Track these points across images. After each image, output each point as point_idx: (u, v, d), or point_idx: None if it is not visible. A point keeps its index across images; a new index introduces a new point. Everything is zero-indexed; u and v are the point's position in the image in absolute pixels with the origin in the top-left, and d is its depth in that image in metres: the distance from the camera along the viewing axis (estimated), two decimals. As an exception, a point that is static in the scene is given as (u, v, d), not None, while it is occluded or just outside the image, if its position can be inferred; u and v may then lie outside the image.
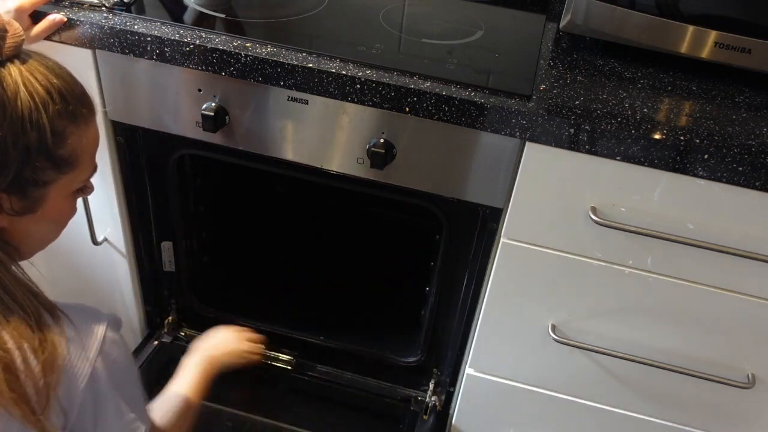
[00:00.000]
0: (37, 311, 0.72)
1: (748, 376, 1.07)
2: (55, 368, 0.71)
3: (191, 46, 0.99)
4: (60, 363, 0.71)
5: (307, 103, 1.02)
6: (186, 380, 1.08)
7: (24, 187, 0.72)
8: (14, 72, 0.69)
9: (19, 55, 0.71)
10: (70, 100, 0.73)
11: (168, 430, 0.97)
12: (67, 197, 0.78)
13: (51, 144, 0.71)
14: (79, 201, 1.18)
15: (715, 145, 0.90)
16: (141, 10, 1.07)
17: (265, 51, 0.99)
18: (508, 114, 0.93)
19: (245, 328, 1.26)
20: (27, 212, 0.74)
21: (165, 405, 1.01)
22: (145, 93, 1.08)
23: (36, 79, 0.71)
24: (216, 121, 1.04)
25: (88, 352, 0.74)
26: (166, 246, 1.34)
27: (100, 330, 0.76)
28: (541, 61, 1.07)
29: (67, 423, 0.74)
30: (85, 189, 0.82)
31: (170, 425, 0.98)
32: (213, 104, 1.04)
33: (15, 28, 0.71)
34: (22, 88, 0.69)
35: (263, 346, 1.27)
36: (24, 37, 0.73)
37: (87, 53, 1.05)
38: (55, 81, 0.72)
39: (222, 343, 1.20)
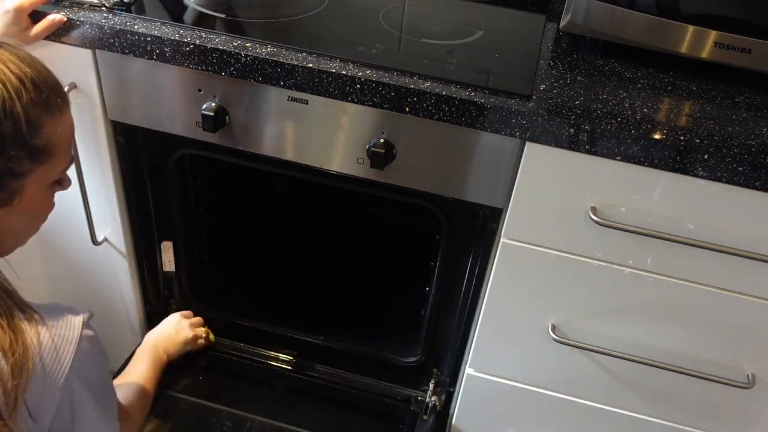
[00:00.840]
0: (10, 311, 0.71)
1: (748, 376, 1.07)
2: (25, 371, 0.69)
3: (191, 46, 0.99)
4: (30, 366, 0.69)
5: (307, 103, 1.02)
6: (138, 370, 1.12)
7: (0, 178, 0.71)
8: None
9: None
10: (43, 89, 0.73)
11: (127, 417, 0.98)
12: (44, 189, 0.78)
13: (26, 133, 0.71)
14: (80, 201, 1.19)
15: (715, 145, 0.90)
16: (141, 10, 1.07)
17: (265, 51, 0.99)
18: (508, 114, 0.93)
19: (189, 313, 1.34)
20: (3, 204, 0.73)
21: (123, 394, 1.02)
22: (145, 93, 1.08)
23: (8, 68, 0.70)
24: (216, 121, 1.04)
25: (64, 354, 0.73)
26: (166, 246, 1.34)
27: (75, 330, 0.75)
28: (541, 61, 1.07)
29: (41, 428, 0.72)
30: (62, 182, 0.81)
31: (129, 411, 1.00)
32: (213, 104, 1.04)
33: None
34: None
35: (206, 329, 1.35)
36: None
37: (87, 53, 1.05)
38: (27, 70, 0.71)
39: (167, 332, 1.27)
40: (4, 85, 0.69)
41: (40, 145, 0.73)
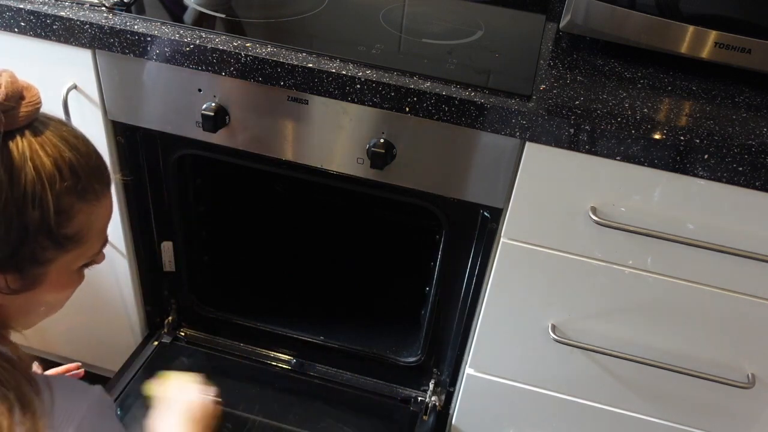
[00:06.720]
0: (19, 389, 0.65)
1: (748, 376, 1.07)
2: None
3: (191, 46, 0.99)
4: None
5: (307, 103, 1.02)
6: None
7: (22, 266, 0.66)
8: (23, 144, 0.63)
9: (32, 123, 0.65)
10: (82, 175, 0.67)
11: None
12: (71, 273, 0.72)
13: (54, 223, 0.65)
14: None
15: (715, 145, 0.90)
16: (141, 10, 1.07)
17: (265, 51, 0.99)
18: (508, 114, 0.93)
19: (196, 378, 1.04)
20: (25, 290, 0.68)
21: None
22: (145, 93, 1.08)
23: (46, 152, 0.64)
24: (216, 121, 1.04)
25: None
26: (166, 246, 1.34)
27: (78, 412, 0.68)
28: (541, 61, 1.07)
29: None
30: (94, 262, 0.75)
31: None
32: (213, 104, 1.04)
33: (33, 94, 0.64)
34: (29, 162, 0.62)
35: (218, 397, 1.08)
36: (41, 104, 0.65)
37: (87, 53, 1.05)
38: (67, 154, 0.65)
39: (190, 404, 0.99)
40: (38, 172, 0.63)
41: (69, 233, 0.67)
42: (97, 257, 0.75)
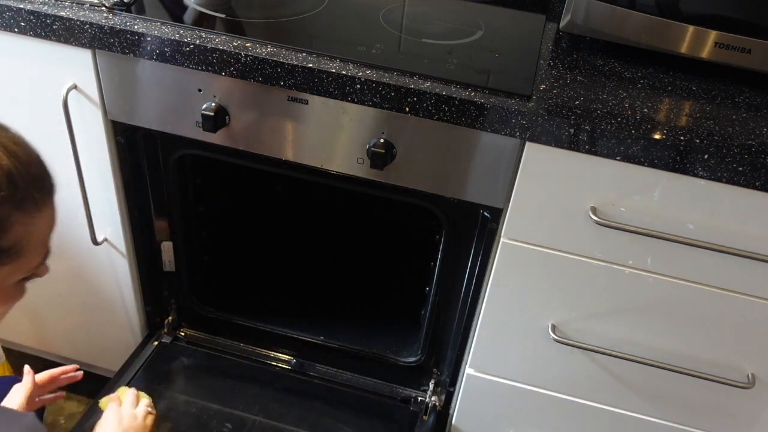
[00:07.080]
0: None
1: (748, 376, 1.07)
2: None
3: (191, 46, 0.99)
4: None
5: (307, 103, 1.02)
6: None
7: None
8: None
9: None
10: (20, 184, 0.63)
11: None
12: (9, 287, 0.68)
13: None
14: (80, 201, 1.19)
15: (715, 145, 0.90)
16: (141, 10, 1.07)
17: (265, 51, 0.99)
18: (508, 114, 0.93)
19: (116, 396, 1.09)
20: None
21: None
22: (145, 93, 1.08)
23: None
24: (216, 121, 1.04)
25: None
26: (166, 246, 1.34)
27: None
28: (541, 61, 1.07)
29: None
30: (36, 275, 0.71)
31: None
32: (213, 104, 1.04)
33: None
34: None
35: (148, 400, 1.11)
36: None
37: (87, 53, 1.05)
38: (4, 162, 0.62)
39: (133, 426, 1.01)
40: None
41: (4, 246, 0.63)
42: (39, 270, 0.71)
